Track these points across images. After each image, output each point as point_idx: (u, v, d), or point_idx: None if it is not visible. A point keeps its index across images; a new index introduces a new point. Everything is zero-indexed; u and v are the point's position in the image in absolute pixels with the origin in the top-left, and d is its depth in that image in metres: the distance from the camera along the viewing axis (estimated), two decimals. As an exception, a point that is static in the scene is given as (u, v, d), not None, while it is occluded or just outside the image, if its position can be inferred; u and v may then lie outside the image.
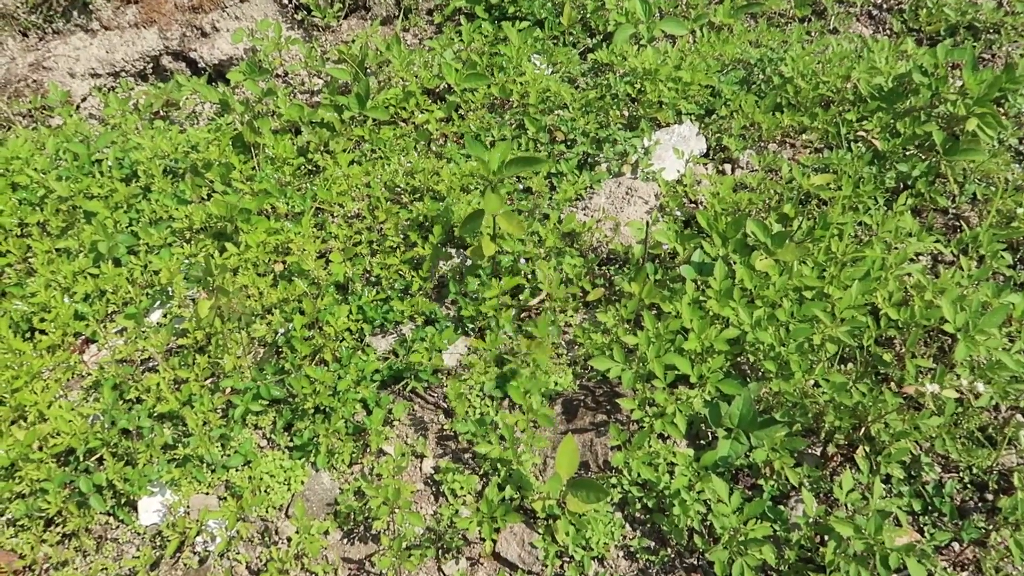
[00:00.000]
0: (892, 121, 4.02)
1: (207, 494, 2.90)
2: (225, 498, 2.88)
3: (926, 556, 2.36)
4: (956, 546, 2.57)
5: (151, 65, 4.90)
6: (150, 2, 4.79)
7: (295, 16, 5.25)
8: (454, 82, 4.38)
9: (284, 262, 3.63)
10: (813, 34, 5.03)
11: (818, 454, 2.82)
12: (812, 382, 2.94)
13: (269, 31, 4.76)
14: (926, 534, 2.53)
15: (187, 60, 4.93)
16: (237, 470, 2.93)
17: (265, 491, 2.89)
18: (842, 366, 3.05)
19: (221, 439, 2.99)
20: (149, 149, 3.95)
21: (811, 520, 2.49)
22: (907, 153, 3.88)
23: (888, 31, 5.13)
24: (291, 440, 3.06)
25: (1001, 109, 4.23)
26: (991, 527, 2.45)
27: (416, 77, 4.56)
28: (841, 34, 5.02)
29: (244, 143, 4.13)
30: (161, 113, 4.61)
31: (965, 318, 2.82)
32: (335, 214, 3.87)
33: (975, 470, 2.71)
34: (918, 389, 2.70)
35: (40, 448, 2.87)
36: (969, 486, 2.71)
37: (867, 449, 2.68)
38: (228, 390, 3.14)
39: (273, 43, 4.74)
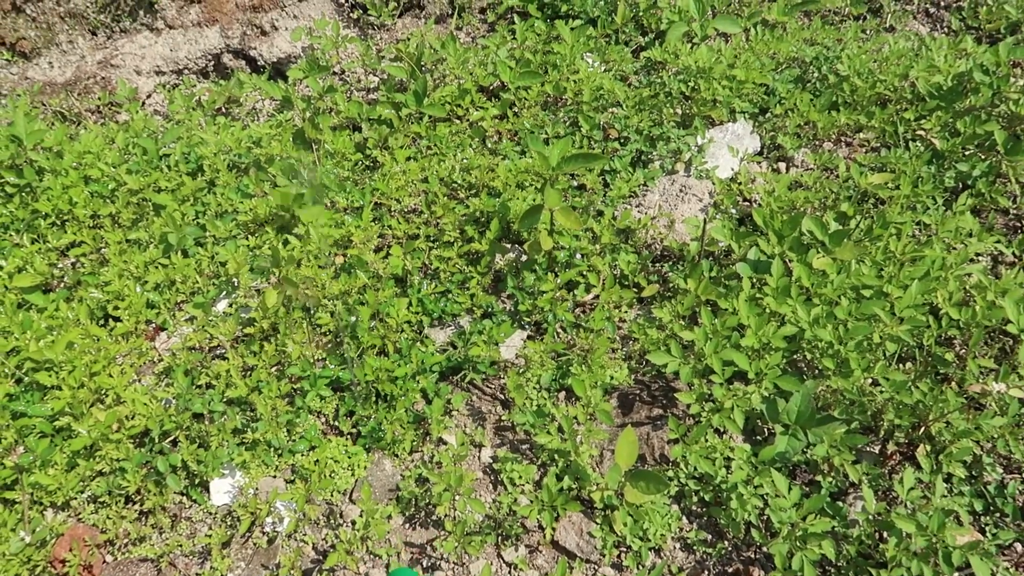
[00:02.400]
0: (952, 120, 3.99)
1: (274, 477, 3.00)
2: (292, 481, 2.98)
3: (988, 555, 2.36)
4: (1019, 547, 2.57)
5: (213, 63, 5.05)
6: (212, 1, 4.93)
7: (351, 15, 5.36)
8: (508, 80, 4.44)
9: (344, 255, 3.73)
10: (869, 32, 5.00)
11: (877, 452, 2.83)
12: (871, 380, 2.94)
13: (327, 29, 4.87)
14: (987, 534, 2.52)
15: (247, 58, 5.06)
16: (303, 454, 3.03)
17: (330, 475, 2.98)
18: (901, 365, 3.05)
19: (288, 424, 3.09)
20: (213, 144, 4.08)
21: (871, 516, 2.50)
22: (967, 153, 3.85)
23: (946, 29, 5.07)
24: (354, 427, 3.16)
25: (1064, 108, 4.16)
26: (1056, 528, 2.44)
27: (471, 75, 4.63)
28: (898, 32, 4.98)
29: (305, 139, 4.23)
30: (223, 109, 4.75)
31: (1029, 318, 2.80)
32: (393, 209, 3.95)
33: (1038, 471, 2.70)
34: (984, 388, 2.69)
35: (118, 429, 2.99)
36: (1032, 487, 2.70)
37: (928, 448, 2.68)
38: (294, 377, 3.24)
39: (331, 41, 4.85)
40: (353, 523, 2.88)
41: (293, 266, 3.47)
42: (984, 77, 3.96)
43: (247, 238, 3.75)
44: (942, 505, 2.41)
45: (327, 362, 3.31)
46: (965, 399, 2.77)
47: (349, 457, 3.03)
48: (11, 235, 3.75)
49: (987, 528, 2.57)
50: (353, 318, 3.27)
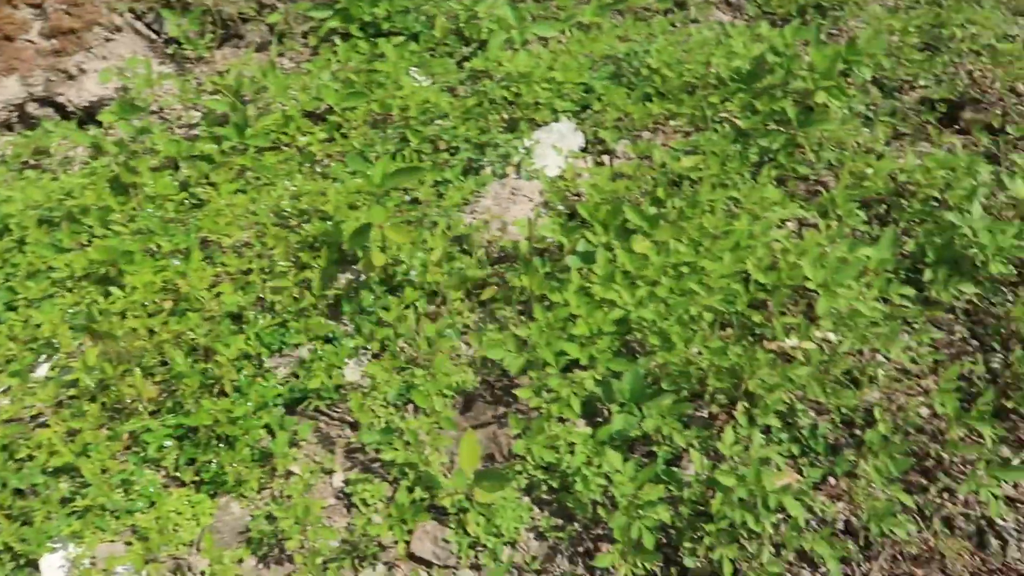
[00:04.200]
0: (752, 100, 4.27)
1: (113, 542, 2.86)
2: (131, 543, 2.84)
3: (804, 493, 2.54)
4: (832, 480, 2.78)
5: (16, 114, 4.77)
6: (6, 49, 4.66)
7: (166, 50, 5.19)
8: (333, 102, 4.42)
9: (175, 300, 3.60)
10: (677, 25, 5.28)
11: (706, 416, 2.99)
12: (696, 350, 3.10)
13: (139, 68, 4.70)
14: (805, 474, 2.71)
15: (55, 105, 4.81)
16: (143, 512, 2.90)
17: (174, 529, 2.86)
18: (723, 331, 3.23)
19: (123, 484, 2.95)
20: (20, 201, 3.86)
21: (702, 477, 2.64)
22: (767, 128, 4.13)
23: (745, 16, 5.43)
24: (197, 475, 3.05)
25: (849, 80, 4.54)
26: (859, 459, 2.65)
27: (295, 101, 4.58)
28: (702, 23, 5.29)
29: (122, 184, 4.06)
30: (31, 162, 4.49)
31: (824, 275, 3.03)
32: (224, 245, 3.85)
33: (843, 410, 2.92)
34: (779, 344, 2.90)
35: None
36: (840, 425, 2.92)
37: (746, 405, 2.85)
38: (126, 435, 3.10)
39: (144, 80, 4.68)
40: (203, 573, 2.78)
41: (116, 318, 3.33)
42: (776, 58, 4.28)
43: (64, 295, 3.56)
44: (761, 455, 2.57)
45: (162, 412, 3.19)
46: (775, 355, 2.97)
47: (193, 507, 2.92)
48: None
49: (804, 468, 2.76)
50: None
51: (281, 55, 5.30)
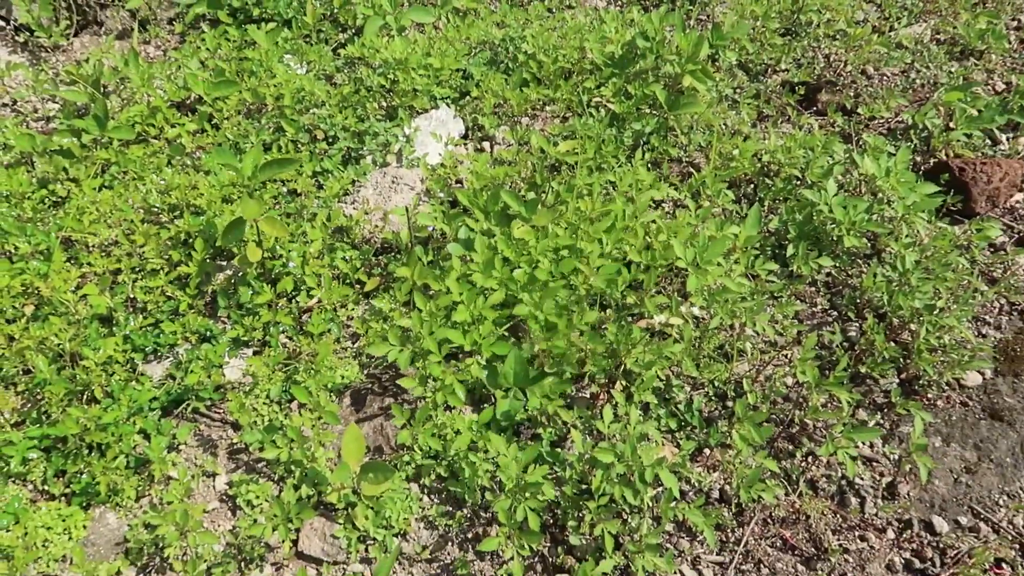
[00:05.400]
0: (625, 85, 4.39)
1: (-24, 563, 2.69)
2: (-5, 562, 2.68)
3: (680, 466, 2.67)
4: (707, 452, 2.92)
5: None
6: None
7: (16, 39, 4.85)
8: (203, 92, 4.25)
9: (36, 304, 3.39)
10: (553, 11, 5.34)
11: (588, 396, 3.07)
12: (577, 332, 3.18)
13: (-15, 58, 4.37)
14: (681, 447, 2.84)
15: None
16: (7, 530, 2.73)
17: (43, 545, 2.72)
18: (603, 312, 3.33)
19: (-16, 502, 2.77)
20: None
21: (584, 456, 2.72)
22: (640, 112, 4.25)
23: (619, 3, 5.55)
24: (67, 487, 2.90)
25: (716, 64, 4.74)
26: (730, 429, 2.80)
27: (161, 91, 4.38)
28: (576, 8, 5.38)
29: (-30, 183, 3.78)
30: None
31: (693, 253, 3.17)
32: (89, 244, 3.65)
33: (716, 383, 3.08)
34: (648, 322, 3.02)
35: None
36: (713, 398, 3.08)
37: (624, 383, 2.96)
38: (-14, 449, 2.91)
39: (-8, 71, 4.37)
40: (77, 589, 2.66)
41: (-32, 326, 3.11)
42: (645, 43, 4.39)
43: (-92, 304, 3.29)
44: (640, 431, 2.67)
45: (27, 423, 3.02)
46: (650, 333, 3.08)
47: (63, 520, 2.78)
48: None
49: (681, 442, 2.89)
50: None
51: (145, 43, 5.05)
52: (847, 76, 4.62)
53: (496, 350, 3.05)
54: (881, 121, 4.38)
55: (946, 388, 3.13)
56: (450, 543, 2.77)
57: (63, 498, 2.90)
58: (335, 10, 5.04)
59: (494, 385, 3.01)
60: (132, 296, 3.46)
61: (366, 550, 2.76)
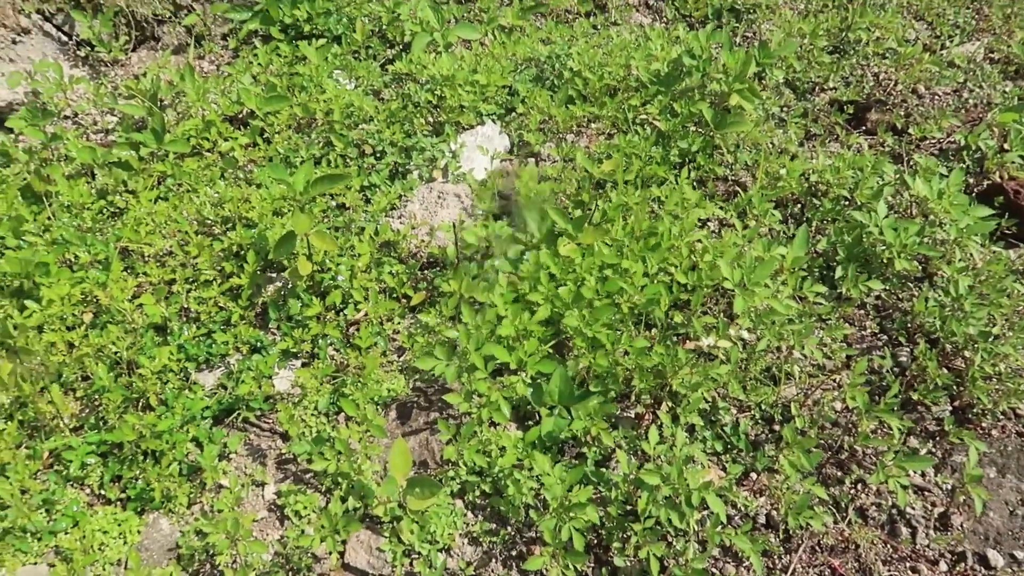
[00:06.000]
0: (671, 103, 4.39)
1: (36, 563, 2.77)
2: (54, 564, 2.76)
3: (727, 490, 2.65)
4: (754, 476, 2.90)
5: (-83, 120, 4.53)
6: (-96, 54, 4.43)
7: (78, 53, 5.01)
8: (255, 106, 4.35)
9: (95, 312, 3.50)
10: (598, 27, 5.37)
11: (633, 416, 3.07)
12: (622, 351, 3.19)
13: (49, 72, 4.53)
14: (727, 470, 2.82)
15: (-41, 111, 4.59)
16: (66, 533, 2.82)
17: (99, 548, 2.80)
18: (648, 332, 3.33)
19: (44, 504, 2.86)
20: (-76, 212, 3.68)
21: (629, 476, 2.72)
22: (686, 130, 4.24)
23: (664, 19, 5.56)
24: (123, 492, 2.98)
25: (763, 82, 4.72)
26: (778, 454, 2.77)
27: (215, 105, 4.49)
28: (622, 25, 5.40)
29: (34, 193, 3.92)
30: (-66, 171, 4.28)
31: (740, 274, 3.15)
32: (145, 254, 3.76)
33: (763, 407, 3.05)
34: (696, 344, 3.01)
35: None
36: (760, 421, 3.05)
37: (670, 404, 2.95)
38: (46, 454, 3.01)
39: (56, 84, 4.52)
40: (131, 593, 2.72)
41: (32, 333, 3.22)
42: (692, 61, 4.39)
43: (-25, 310, 3.41)
44: (685, 453, 2.66)
45: (85, 428, 3.11)
46: (697, 354, 3.08)
47: (119, 525, 2.86)
48: None
49: (727, 465, 2.88)
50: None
51: (200, 58, 5.18)
52: (897, 95, 4.57)
53: (541, 368, 3.07)
54: (933, 142, 4.31)
55: (1001, 417, 3.07)
56: (494, 560, 2.79)
57: (119, 503, 2.98)
58: (384, 27, 5.13)
59: (539, 403, 3.03)
60: (186, 306, 3.55)
61: (411, 564, 2.78)
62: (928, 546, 2.74)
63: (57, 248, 3.59)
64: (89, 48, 4.99)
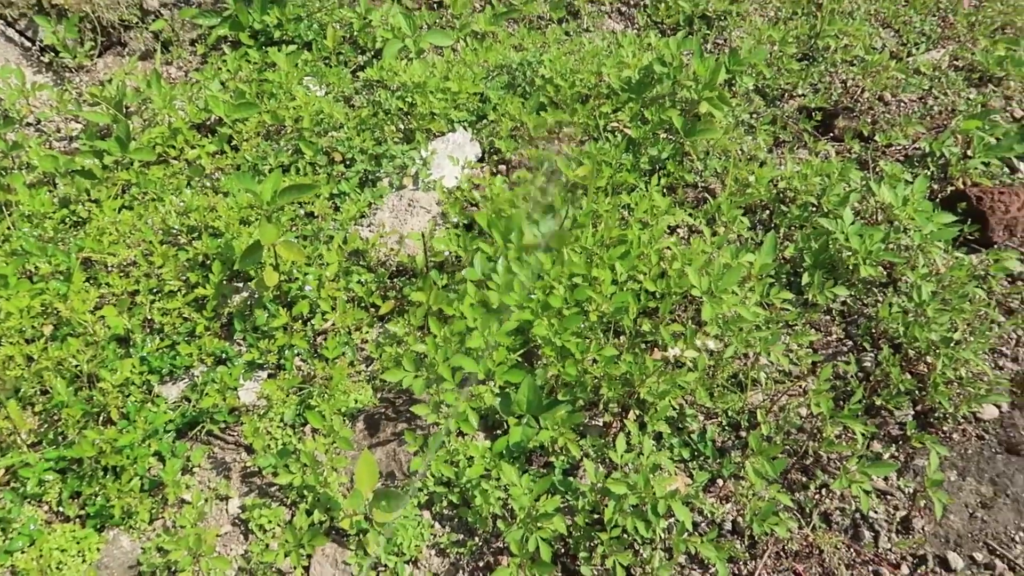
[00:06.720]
0: (641, 110, 4.40)
1: (-9, 584, 2.72)
2: (9, 584, 2.71)
3: (694, 497, 2.65)
4: (720, 482, 2.90)
5: None
6: None
7: (42, 59, 4.93)
8: (223, 114, 4.31)
9: (55, 324, 3.44)
10: (571, 34, 5.38)
11: (601, 424, 3.07)
12: (591, 359, 3.18)
13: (11, 78, 4.46)
14: (694, 477, 2.83)
15: (-82, 118, 4.50)
16: (23, 552, 2.76)
17: (57, 567, 2.74)
18: (616, 339, 3.32)
19: (0, 523, 2.80)
20: None
21: (597, 486, 2.71)
22: (656, 137, 4.26)
23: (636, 26, 5.58)
24: (82, 509, 2.93)
25: (733, 89, 4.74)
26: (744, 460, 2.78)
27: (182, 112, 4.44)
28: (594, 32, 5.41)
29: (-7, 202, 3.85)
30: None
31: (708, 281, 3.16)
32: (108, 265, 3.70)
33: (730, 413, 3.06)
34: (663, 354, 3.01)
35: None
36: (727, 428, 3.06)
37: (638, 412, 2.95)
38: (2, 471, 2.94)
39: (18, 90, 4.45)
40: (90, 611, 2.68)
41: (-12, 346, 3.15)
42: (663, 68, 4.41)
43: (-70, 323, 3.34)
44: (653, 461, 2.66)
45: (44, 444, 3.05)
46: (664, 362, 3.08)
47: (78, 543, 2.80)
48: None
49: (695, 472, 2.88)
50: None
51: (168, 64, 5.12)
52: (864, 102, 4.62)
53: (510, 377, 3.05)
54: (898, 148, 4.36)
55: (962, 421, 3.10)
56: (461, 571, 2.77)
57: (78, 520, 2.92)
58: (355, 33, 5.10)
59: (507, 412, 3.01)
60: (149, 317, 3.50)
61: (377, 577, 2.76)
62: (890, 549, 2.76)
63: (17, 259, 3.52)
64: (53, 54, 4.91)
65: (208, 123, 4.54)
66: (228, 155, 4.25)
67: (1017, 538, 2.77)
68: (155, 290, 3.59)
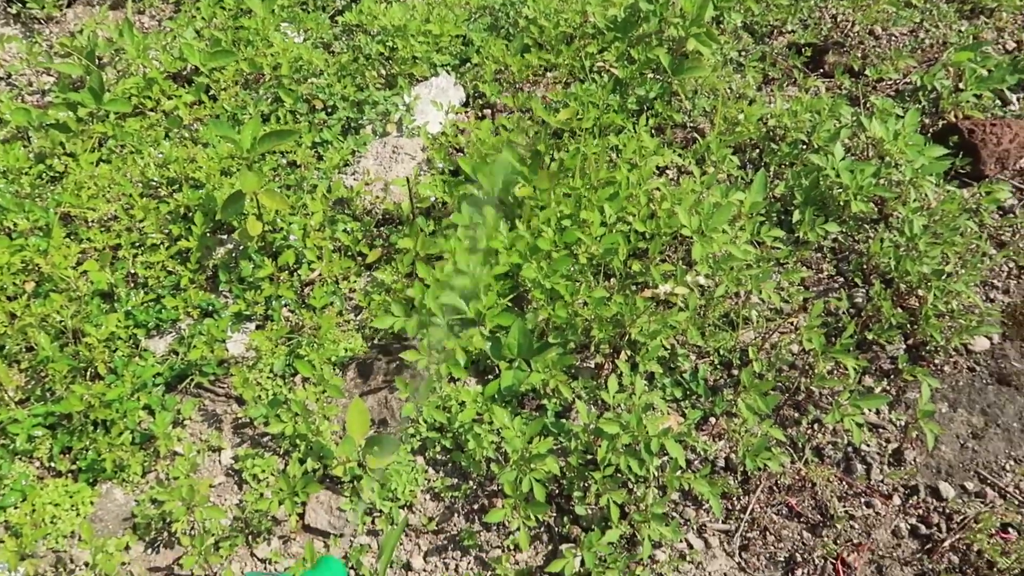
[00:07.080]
0: (628, 49, 4.30)
1: (-15, 540, 2.71)
2: (2, 540, 2.69)
3: (686, 435, 2.66)
4: (712, 420, 2.91)
5: None
6: None
7: (8, 10, 4.77)
8: (199, 62, 4.18)
9: (37, 280, 3.38)
10: (553, -27, 5.22)
11: (592, 366, 3.06)
12: (581, 301, 3.16)
13: (-23, 31, 4.31)
14: (687, 416, 2.83)
15: None
16: (15, 507, 2.75)
17: (51, 521, 2.73)
18: (607, 281, 3.30)
19: (-9, 480, 2.79)
20: None
21: (589, 426, 2.71)
22: (644, 77, 4.17)
23: (621, -37, 5.41)
24: (73, 463, 2.91)
25: (721, 26, 4.64)
26: (736, 398, 2.78)
27: (157, 62, 4.31)
28: (578, -29, 5.25)
29: (-34, 159, 3.75)
30: None
31: (698, 221, 3.12)
32: (88, 220, 3.63)
33: (722, 352, 3.05)
34: (653, 292, 2.99)
35: None
36: (719, 367, 3.06)
37: (629, 352, 2.94)
38: (-9, 426, 2.92)
39: (-16, 44, 4.31)
40: (87, 564, 2.67)
41: (-31, 304, 3.10)
42: (649, 6, 4.29)
43: (-92, 283, 3.27)
44: (645, 401, 2.66)
45: (31, 400, 3.02)
46: (655, 302, 3.06)
47: (71, 497, 2.79)
48: None
49: (686, 411, 2.88)
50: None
51: (140, 13, 4.96)
52: (855, 37, 4.53)
53: (500, 321, 3.03)
54: (889, 83, 4.30)
55: (953, 354, 3.11)
56: (456, 514, 2.78)
57: (70, 475, 2.91)
58: (332, -24, 4.94)
59: (498, 356, 3.00)
60: (133, 271, 3.44)
61: (373, 522, 2.77)
62: (882, 481, 2.78)
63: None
64: (21, 5, 4.75)
65: (184, 73, 4.42)
66: (206, 105, 4.14)
67: (1007, 467, 2.80)
68: (137, 244, 3.53)
